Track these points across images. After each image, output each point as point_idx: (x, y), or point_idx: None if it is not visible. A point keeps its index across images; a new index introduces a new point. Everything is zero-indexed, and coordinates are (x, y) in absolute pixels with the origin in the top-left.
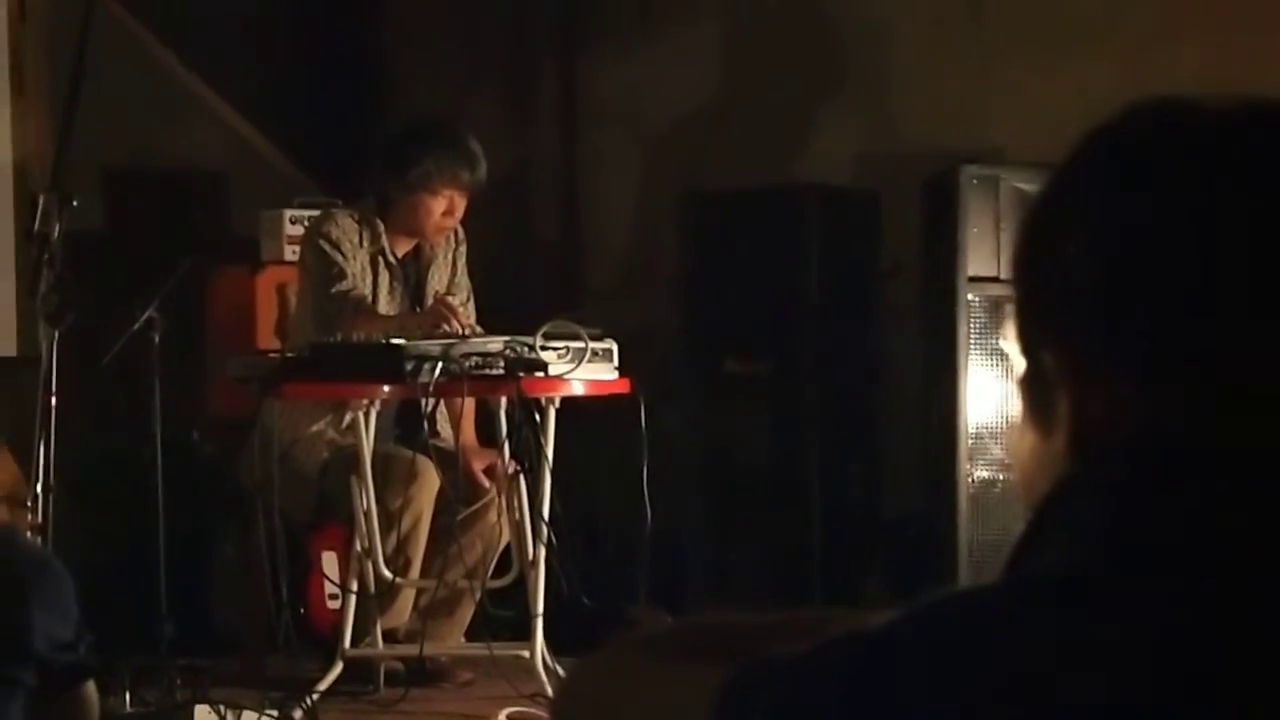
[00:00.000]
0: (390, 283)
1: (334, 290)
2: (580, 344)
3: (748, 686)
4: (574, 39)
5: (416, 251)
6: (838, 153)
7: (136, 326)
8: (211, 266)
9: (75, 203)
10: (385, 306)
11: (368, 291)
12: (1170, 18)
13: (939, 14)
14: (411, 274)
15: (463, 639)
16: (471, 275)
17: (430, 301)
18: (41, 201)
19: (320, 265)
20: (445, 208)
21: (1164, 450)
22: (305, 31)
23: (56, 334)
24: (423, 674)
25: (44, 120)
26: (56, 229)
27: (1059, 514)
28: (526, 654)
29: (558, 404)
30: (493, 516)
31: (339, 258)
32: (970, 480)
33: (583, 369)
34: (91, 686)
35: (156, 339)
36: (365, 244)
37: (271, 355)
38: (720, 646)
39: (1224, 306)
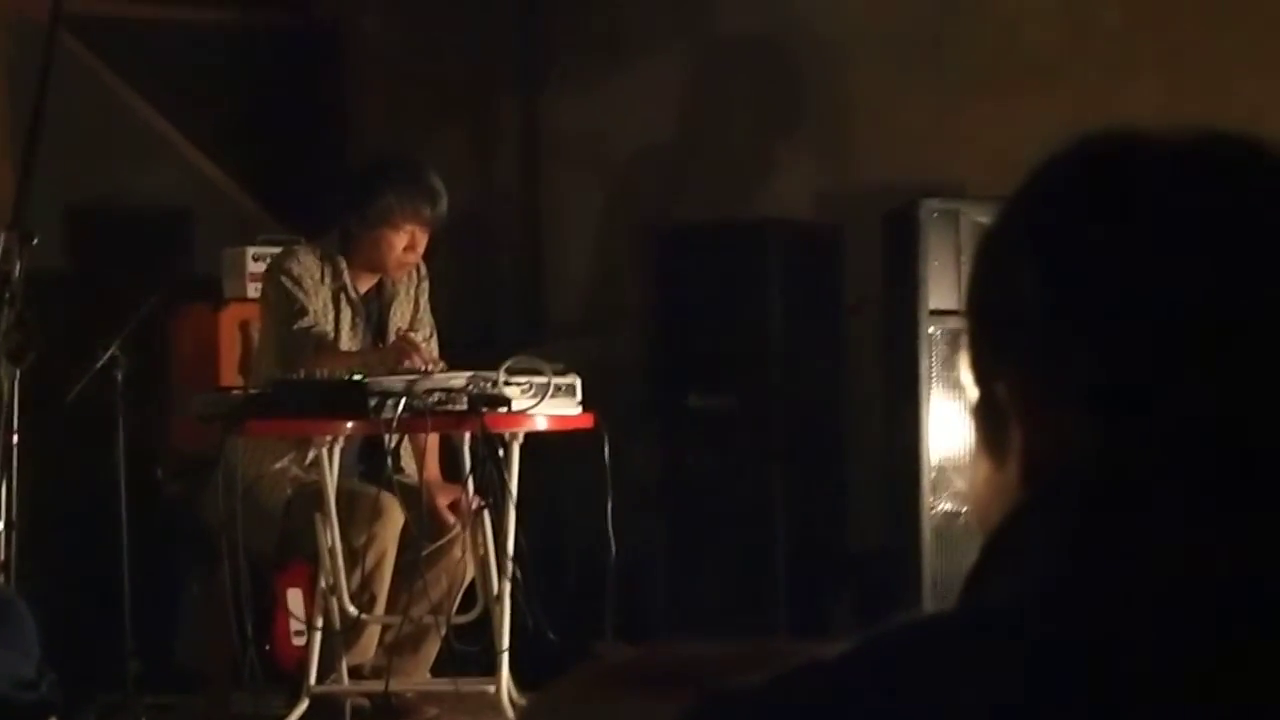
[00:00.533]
0: (352, 319)
1: (296, 327)
2: (543, 379)
3: (706, 717)
4: (537, 75)
5: (379, 288)
6: (800, 187)
7: (99, 364)
8: (174, 304)
9: (36, 240)
10: (348, 343)
11: (330, 328)
12: (1127, 53)
13: (899, 50)
14: (374, 310)
15: (428, 674)
16: (435, 310)
17: (392, 338)
18: (2, 239)
19: (282, 302)
20: (407, 243)
21: (1113, 481)
22: (267, 69)
23: (18, 372)
24: (389, 710)
25: (5, 158)
26: (17, 267)
27: (1010, 544)
28: (492, 689)
29: (521, 439)
30: (457, 552)
31: (300, 294)
32: (933, 512)
33: (546, 404)
34: None
35: (120, 377)
36: (327, 280)
37: (235, 392)
38: (679, 677)
39: (1173, 337)
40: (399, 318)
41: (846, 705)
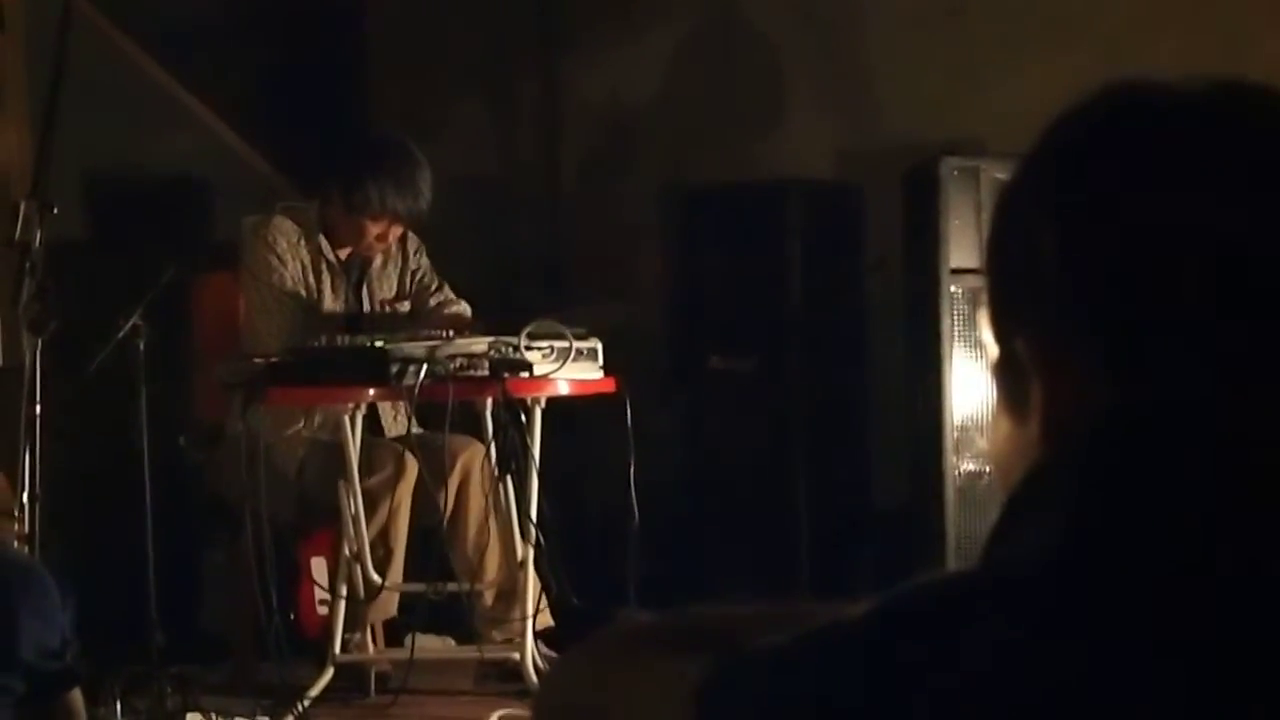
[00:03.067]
0: (333, 281)
1: (273, 298)
2: (565, 343)
3: (728, 678)
4: (554, 39)
5: (359, 250)
6: (819, 147)
7: (121, 334)
8: (195, 272)
9: (56, 210)
10: (330, 304)
11: (313, 289)
12: (1148, 8)
13: (919, 7)
14: (354, 273)
15: (451, 641)
16: (446, 272)
17: (375, 302)
18: (22, 209)
19: (261, 270)
20: (380, 232)
21: (1132, 439)
22: (286, 36)
23: (39, 343)
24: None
25: (24, 128)
26: (38, 237)
27: (1031, 501)
28: (517, 655)
29: (543, 404)
30: (481, 518)
31: (277, 263)
32: (957, 472)
33: (568, 368)
34: (78, 694)
35: (141, 346)
36: (304, 245)
37: (256, 360)
38: (702, 639)
39: (1195, 292)
40: (384, 288)
41: (867, 663)
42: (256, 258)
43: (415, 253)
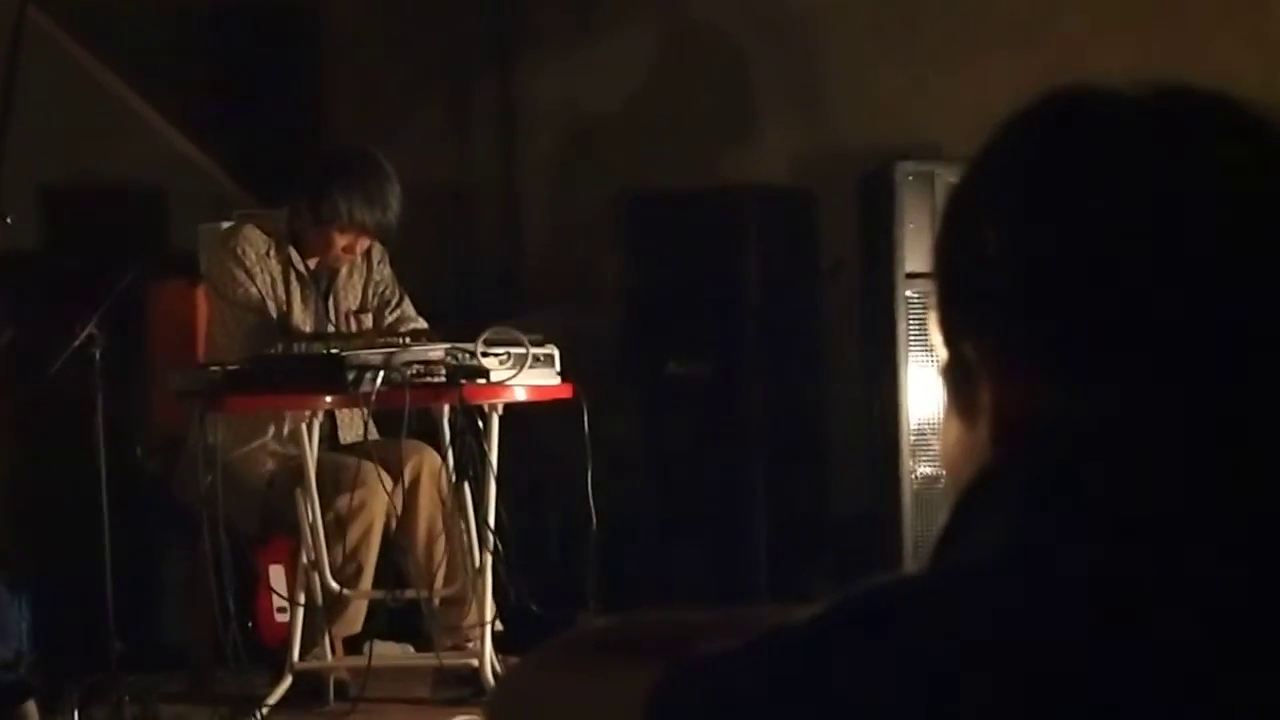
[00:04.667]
0: (302, 292)
1: (248, 318)
2: (522, 350)
3: (680, 684)
4: (511, 45)
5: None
6: (775, 153)
7: (77, 343)
8: (151, 281)
9: (9, 220)
10: (299, 314)
11: (281, 299)
12: (1101, 11)
13: (873, 12)
14: (324, 283)
15: (411, 648)
16: (403, 279)
17: (340, 313)
18: None
19: (227, 283)
20: (348, 244)
21: (1079, 439)
22: (241, 44)
23: None
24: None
25: None
26: None
27: (979, 503)
28: (475, 662)
29: (501, 410)
30: (438, 525)
31: (243, 276)
32: (914, 477)
33: (525, 375)
34: (32, 705)
35: (97, 355)
36: (273, 255)
37: (212, 368)
38: (655, 644)
39: (1137, 295)
40: (348, 298)
41: (816, 667)
42: (221, 270)
43: (379, 263)
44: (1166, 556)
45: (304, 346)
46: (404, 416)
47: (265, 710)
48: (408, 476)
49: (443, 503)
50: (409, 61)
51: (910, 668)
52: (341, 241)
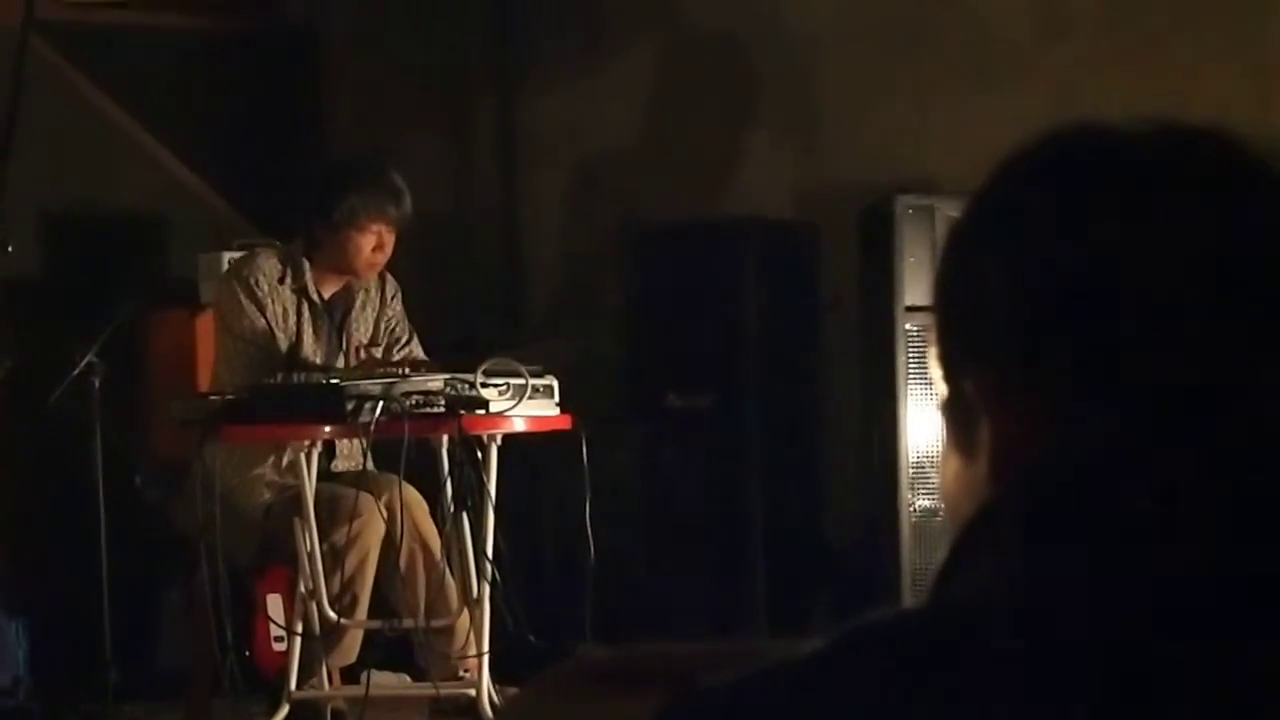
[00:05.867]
0: (314, 322)
1: (256, 347)
2: (521, 380)
3: (680, 715)
4: (511, 75)
5: (344, 291)
6: (775, 185)
7: (77, 371)
8: (150, 310)
9: (11, 248)
10: (310, 345)
11: (292, 330)
12: (1099, 47)
13: (873, 46)
14: (338, 315)
15: (408, 678)
16: (411, 312)
17: (352, 348)
18: None
19: (234, 312)
20: (375, 244)
21: (1079, 476)
22: (241, 73)
23: None
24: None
25: None
26: None
27: (978, 539)
28: (473, 692)
29: (499, 441)
30: (437, 555)
31: (253, 307)
32: (912, 509)
33: (524, 405)
34: None
35: (97, 383)
36: (288, 282)
37: (212, 397)
38: (655, 676)
39: (1140, 333)
40: (360, 330)
41: (814, 702)
42: (230, 299)
43: (392, 298)
44: (1169, 592)
45: (303, 376)
46: (403, 447)
47: None
48: (384, 510)
49: (419, 534)
50: (410, 90)
51: (909, 705)
52: (368, 243)
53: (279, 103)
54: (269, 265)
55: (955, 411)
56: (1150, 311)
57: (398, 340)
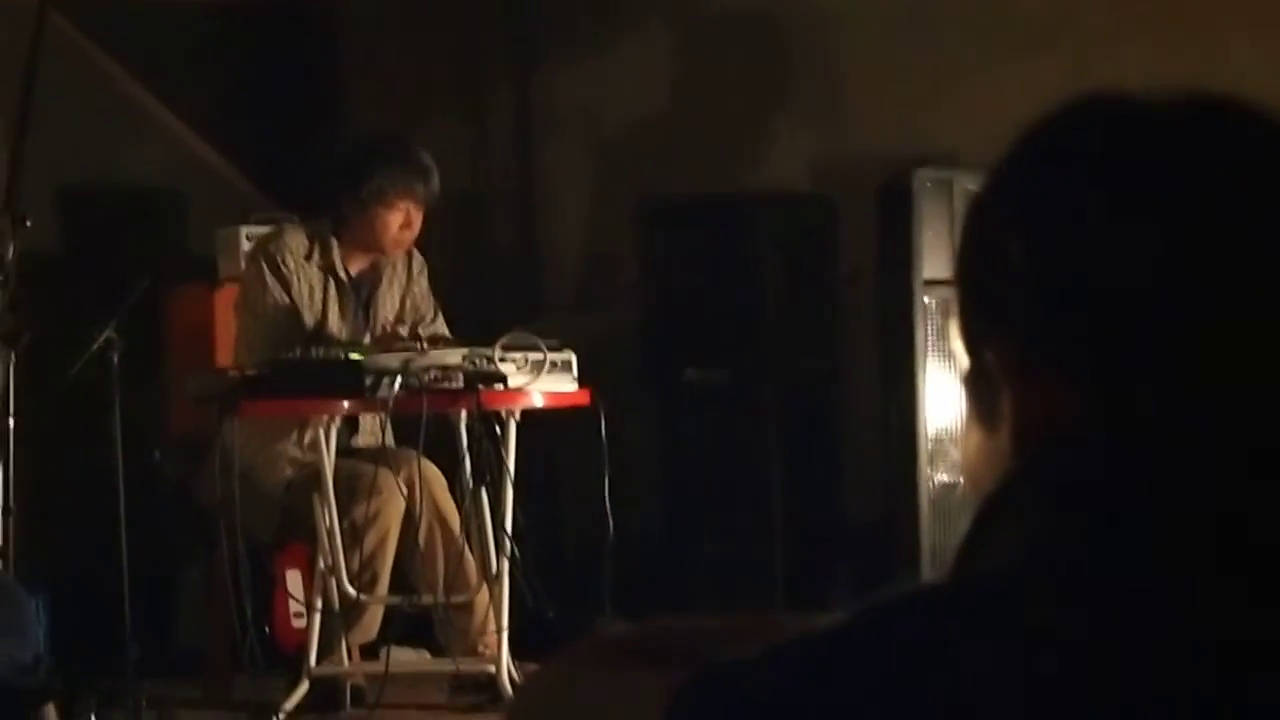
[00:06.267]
0: (340, 299)
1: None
2: (539, 355)
3: (700, 690)
4: (528, 51)
5: (372, 268)
6: (794, 160)
7: (95, 347)
8: (169, 285)
9: (29, 223)
10: (336, 322)
11: (318, 308)
12: (1118, 17)
13: (891, 19)
14: (364, 291)
15: (428, 654)
16: (431, 289)
17: (378, 325)
18: None
19: (255, 287)
20: (402, 220)
21: (1103, 448)
22: (258, 46)
23: (13, 355)
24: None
25: None
26: (10, 249)
27: (1001, 511)
28: (492, 668)
29: (518, 416)
30: (455, 530)
31: (277, 284)
32: (931, 484)
33: (542, 380)
34: (51, 709)
35: (115, 359)
36: (315, 259)
37: (230, 373)
38: (675, 651)
39: (1162, 303)
40: (386, 307)
41: (837, 675)
42: (254, 275)
43: (419, 274)
44: (1193, 563)
45: (321, 351)
46: (421, 421)
47: (282, 716)
48: (403, 486)
49: (438, 510)
50: (427, 67)
51: (934, 678)
52: (396, 220)
53: (296, 77)
54: (296, 242)
55: (977, 384)
56: (1174, 283)
57: (422, 318)
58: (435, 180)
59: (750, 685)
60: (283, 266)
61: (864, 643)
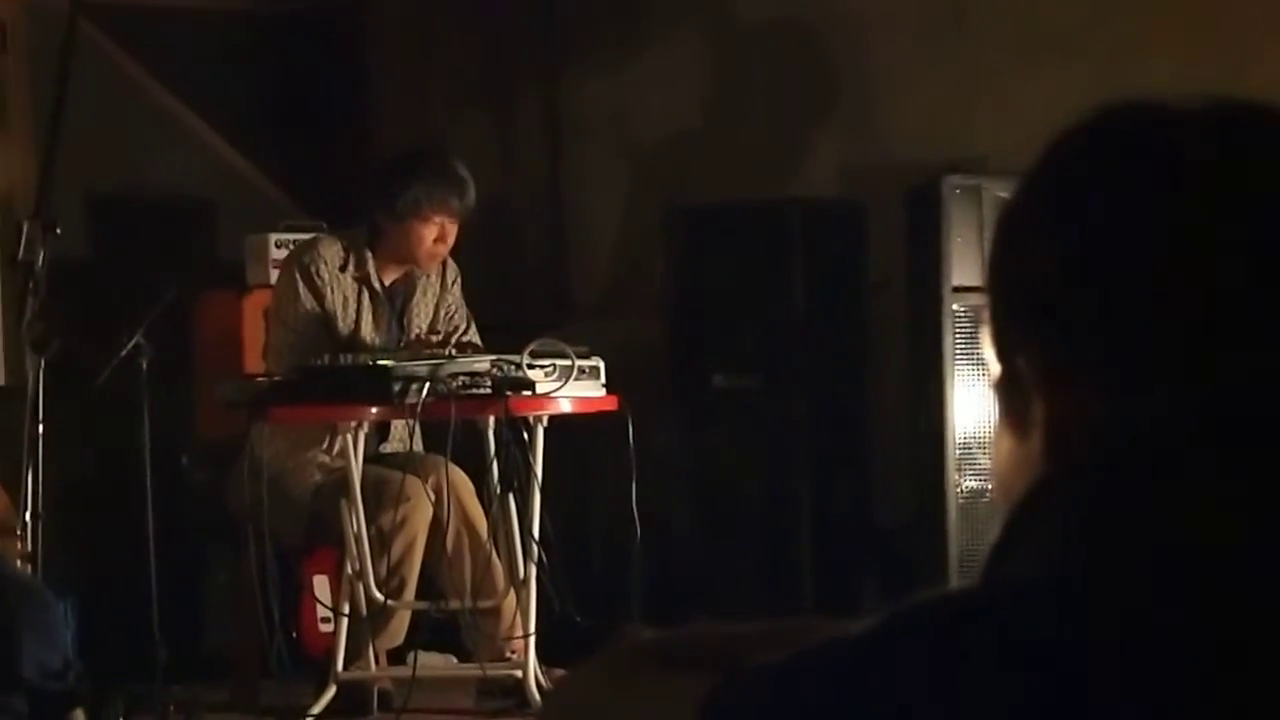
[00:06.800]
0: (374, 310)
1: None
2: (567, 361)
3: (731, 695)
4: (558, 58)
5: (405, 279)
6: (822, 166)
7: (124, 352)
8: (198, 291)
9: (59, 230)
10: (369, 333)
11: (352, 318)
12: (1148, 25)
13: (920, 25)
14: (399, 302)
15: (455, 659)
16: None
17: (413, 332)
18: (25, 229)
19: (287, 297)
20: (437, 234)
21: (1134, 454)
22: (288, 54)
23: (42, 361)
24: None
25: (27, 148)
26: (41, 256)
27: (1032, 517)
28: (519, 673)
29: (546, 422)
30: (483, 536)
31: (310, 295)
32: (959, 490)
33: (570, 387)
34: (80, 714)
35: (144, 365)
36: (350, 269)
37: (259, 379)
38: (705, 656)
39: (1192, 309)
40: (420, 316)
41: (867, 681)
42: (287, 285)
43: (453, 283)
44: (1225, 571)
45: (349, 358)
46: (450, 427)
47: None
48: (431, 492)
49: (465, 516)
50: (456, 74)
51: (965, 683)
52: (430, 234)
53: (326, 86)
54: (331, 252)
55: (1008, 390)
56: (1206, 289)
57: (455, 328)
58: (471, 194)
59: (780, 690)
60: (316, 277)
61: (893, 649)
